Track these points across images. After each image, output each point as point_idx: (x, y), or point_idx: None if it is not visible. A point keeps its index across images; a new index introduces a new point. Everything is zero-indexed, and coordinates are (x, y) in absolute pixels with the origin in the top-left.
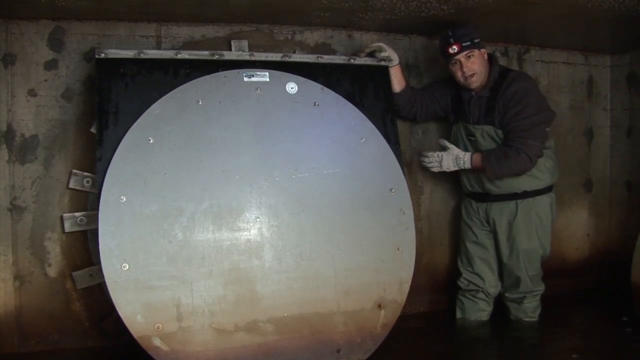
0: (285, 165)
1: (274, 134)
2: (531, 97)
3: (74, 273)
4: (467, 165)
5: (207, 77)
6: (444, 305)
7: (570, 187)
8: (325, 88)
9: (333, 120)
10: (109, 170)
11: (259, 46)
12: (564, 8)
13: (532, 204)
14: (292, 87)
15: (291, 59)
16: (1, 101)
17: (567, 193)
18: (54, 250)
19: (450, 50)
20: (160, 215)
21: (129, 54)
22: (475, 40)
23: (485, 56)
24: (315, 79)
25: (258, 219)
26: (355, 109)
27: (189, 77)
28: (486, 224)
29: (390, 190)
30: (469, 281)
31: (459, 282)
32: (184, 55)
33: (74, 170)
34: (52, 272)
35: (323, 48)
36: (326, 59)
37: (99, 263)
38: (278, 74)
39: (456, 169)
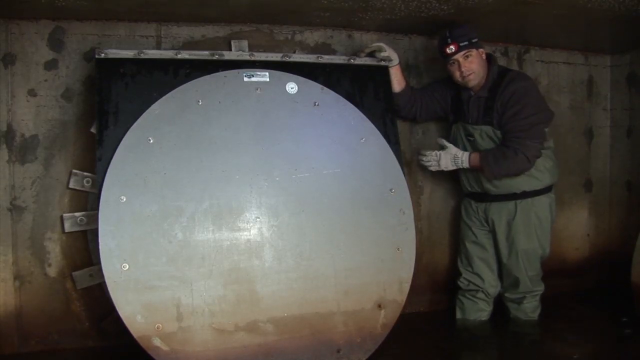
0: (285, 165)
1: (274, 134)
2: (529, 98)
3: (74, 273)
4: (465, 165)
5: (207, 77)
6: (444, 305)
7: (570, 187)
8: (325, 88)
9: (333, 120)
10: (109, 170)
11: (259, 46)
12: (564, 8)
13: (531, 204)
14: (292, 87)
15: (291, 59)
16: (1, 101)
17: (567, 193)
18: (54, 250)
19: (448, 50)
20: (160, 215)
21: (129, 54)
22: (473, 40)
23: (484, 56)
24: (315, 79)
25: (258, 219)
26: (355, 109)
27: (189, 77)
28: (485, 224)
29: (390, 190)
30: (469, 281)
31: (458, 282)
32: (184, 55)
33: (74, 170)
34: (52, 272)
35: (323, 48)
36: (326, 59)
37: (99, 263)
38: (278, 74)
39: (454, 168)
